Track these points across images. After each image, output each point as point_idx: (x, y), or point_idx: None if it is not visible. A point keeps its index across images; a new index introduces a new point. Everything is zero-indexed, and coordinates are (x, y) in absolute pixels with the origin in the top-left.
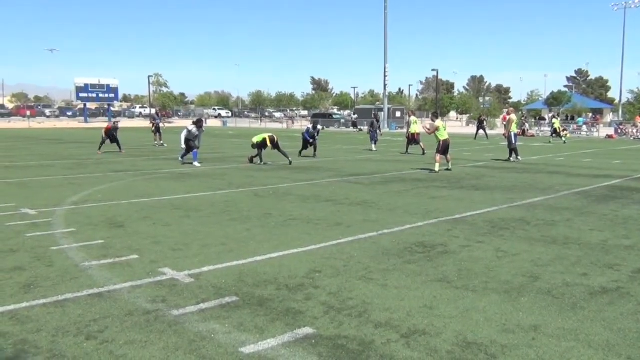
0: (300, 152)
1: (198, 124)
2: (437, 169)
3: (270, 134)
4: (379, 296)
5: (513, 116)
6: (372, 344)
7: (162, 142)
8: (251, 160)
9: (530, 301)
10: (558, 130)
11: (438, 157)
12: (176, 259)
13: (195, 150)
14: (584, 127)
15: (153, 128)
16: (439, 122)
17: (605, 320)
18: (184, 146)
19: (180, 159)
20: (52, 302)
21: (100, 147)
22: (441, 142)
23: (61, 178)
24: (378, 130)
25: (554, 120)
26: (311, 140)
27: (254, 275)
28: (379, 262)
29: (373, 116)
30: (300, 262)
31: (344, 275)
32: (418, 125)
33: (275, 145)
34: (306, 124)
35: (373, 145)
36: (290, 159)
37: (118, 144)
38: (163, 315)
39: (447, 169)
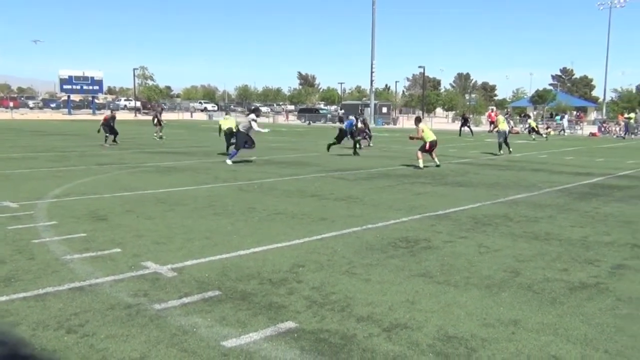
0: (329, 146)
1: (257, 112)
2: (421, 165)
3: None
4: (361, 291)
5: (500, 117)
6: (354, 338)
7: (161, 134)
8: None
9: (511, 296)
10: (536, 128)
11: (420, 154)
12: (159, 253)
13: (236, 150)
14: (567, 124)
15: (155, 120)
16: (422, 126)
17: (584, 315)
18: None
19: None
20: (33, 295)
21: (106, 140)
22: (428, 143)
23: (44, 170)
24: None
25: (529, 121)
26: (349, 135)
27: (237, 270)
28: (363, 257)
29: (359, 115)
30: (284, 257)
31: (327, 269)
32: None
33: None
34: (293, 119)
35: (370, 142)
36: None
37: (115, 135)
38: (145, 309)
39: (437, 165)
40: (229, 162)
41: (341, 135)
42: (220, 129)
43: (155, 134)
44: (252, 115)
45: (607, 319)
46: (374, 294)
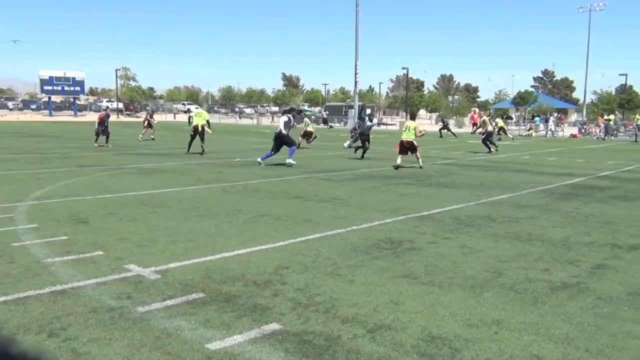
0: (362, 154)
1: (292, 113)
2: (398, 161)
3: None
4: (346, 292)
5: (485, 118)
6: (338, 339)
7: (152, 136)
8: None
9: (494, 296)
10: (505, 128)
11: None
12: (142, 255)
13: (291, 148)
14: (554, 126)
15: (146, 123)
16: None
17: (565, 315)
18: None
19: (261, 160)
20: (13, 299)
21: (96, 140)
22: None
23: (24, 172)
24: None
25: (497, 120)
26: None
27: (221, 272)
28: (347, 258)
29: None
30: (268, 259)
31: (311, 271)
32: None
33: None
34: (276, 120)
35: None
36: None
37: (107, 136)
38: (128, 312)
39: (420, 167)
40: (291, 161)
41: (364, 138)
42: (190, 122)
43: (141, 136)
44: (286, 117)
45: (588, 318)
46: (359, 295)
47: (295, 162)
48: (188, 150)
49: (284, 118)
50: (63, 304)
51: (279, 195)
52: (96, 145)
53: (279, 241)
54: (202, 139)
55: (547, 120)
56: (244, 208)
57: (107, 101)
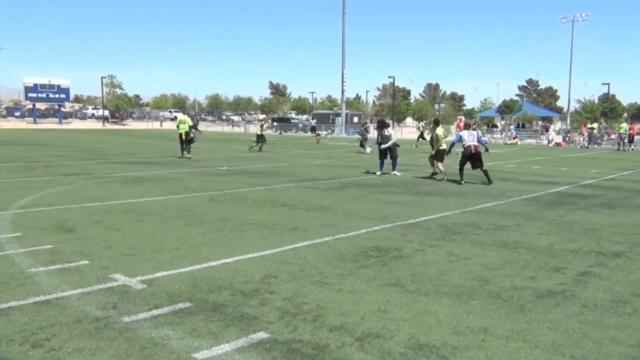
0: (380, 168)
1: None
2: (441, 172)
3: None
4: (333, 300)
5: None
6: (326, 348)
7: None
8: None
9: (481, 304)
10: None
11: (440, 164)
12: (128, 265)
13: (384, 160)
14: (553, 134)
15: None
16: (439, 131)
17: (551, 322)
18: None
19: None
20: None
21: (182, 153)
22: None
23: (8, 181)
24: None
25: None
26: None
27: (208, 281)
28: (335, 267)
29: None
30: (256, 267)
31: (299, 280)
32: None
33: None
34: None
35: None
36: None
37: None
38: (114, 322)
39: (433, 176)
40: (397, 173)
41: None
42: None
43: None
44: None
45: (573, 325)
46: (346, 304)
47: (399, 174)
48: (182, 155)
49: (385, 132)
50: (47, 315)
51: (266, 203)
52: (188, 156)
53: (267, 250)
54: (189, 145)
55: (547, 130)
56: (230, 216)
57: (92, 109)
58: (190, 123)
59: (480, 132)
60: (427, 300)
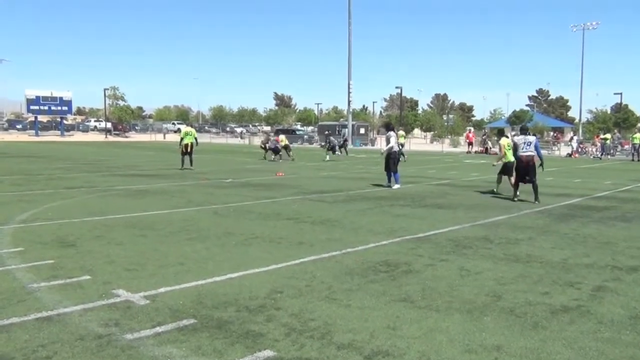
0: (388, 180)
1: (389, 126)
2: (516, 193)
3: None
4: (342, 317)
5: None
6: None
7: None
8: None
9: (493, 320)
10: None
11: (514, 179)
12: (131, 280)
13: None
14: (576, 145)
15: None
16: (503, 141)
17: (566, 339)
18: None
19: (396, 184)
20: None
21: (266, 156)
22: (503, 165)
23: (9, 195)
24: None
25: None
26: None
27: (212, 297)
28: (342, 282)
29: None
30: (261, 283)
31: (306, 295)
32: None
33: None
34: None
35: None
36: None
37: (276, 153)
38: (116, 340)
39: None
40: (397, 186)
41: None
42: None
43: (269, 159)
44: (392, 132)
45: (589, 342)
46: (355, 320)
47: (395, 185)
48: (182, 166)
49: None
50: (49, 331)
51: (271, 216)
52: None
53: (272, 264)
54: (191, 156)
55: (571, 140)
56: (235, 230)
57: (95, 121)
58: (196, 135)
59: (538, 139)
60: (438, 317)
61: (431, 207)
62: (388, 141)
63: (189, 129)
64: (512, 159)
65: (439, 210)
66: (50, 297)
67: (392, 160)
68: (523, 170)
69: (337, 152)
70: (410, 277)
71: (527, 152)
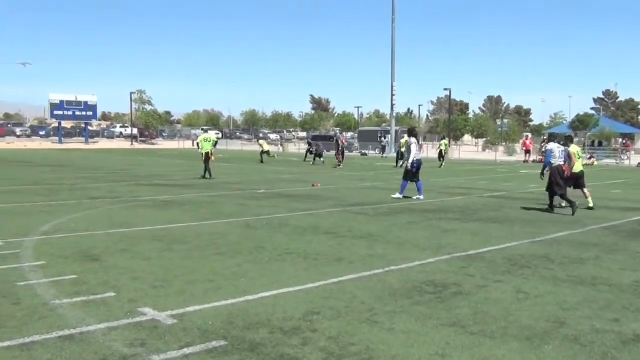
0: (418, 191)
1: (413, 133)
2: (590, 203)
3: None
4: (384, 342)
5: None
6: None
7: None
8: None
9: (555, 349)
10: (443, 153)
11: (587, 191)
12: (157, 298)
13: (409, 181)
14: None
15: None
16: (573, 148)
17: None
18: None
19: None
20: (18, 344)
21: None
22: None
23: (31, 205)
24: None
25: (441, 142)
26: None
27: (244, 317)
28: (385, 303)
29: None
30: (297, 302)
31: (345, 317)
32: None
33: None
34: (304, 146)
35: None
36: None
37: (319, 155)
38: None
39: (590, 207)
40: (399, 195)
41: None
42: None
43: (339, 165)
44: (414, 139)
45: None
46: (399, 346)
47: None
48: (204, 175)
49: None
50: (71, 351)
51: (307, 230)
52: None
53: (309, 283)
54: (208, 165)
55: (600, 144)
56: (268, 245)
57: (120, 127)
58: (214, 139)
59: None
60: (493, 344)
61: (484, 221)
62: (409, 150)
63: (206, 135)
64: (580, 168)
65: (493, 225)
66: (73, 315)
67: (412, 170)
68: (569, 179)
69: (322, 159)
70: (461, 300)
71: (561, 160)
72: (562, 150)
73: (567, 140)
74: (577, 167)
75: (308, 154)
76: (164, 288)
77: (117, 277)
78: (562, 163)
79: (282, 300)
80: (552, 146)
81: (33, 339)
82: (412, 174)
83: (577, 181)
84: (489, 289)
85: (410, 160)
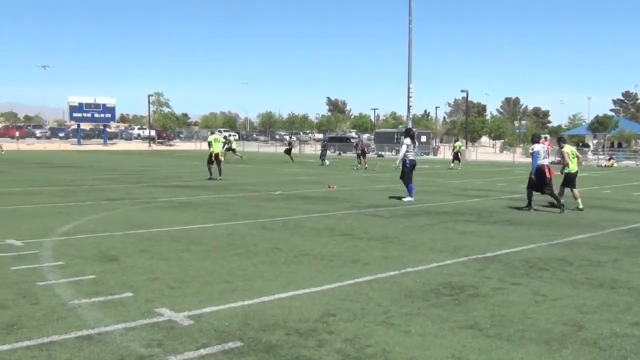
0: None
1: (409, 133)
2: (580, 205)
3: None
4: (400, 344)
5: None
6: None
7: (363, 165)
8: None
9: (574, 353)
10: (458, 155)
11: (577, 192)
12: (174, 298)
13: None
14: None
15: (358, 151)
16: (566, 149)
17: None
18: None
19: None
20: (37, 344)
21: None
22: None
23: (49, 206)
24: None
25: (456, 144)
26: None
27: (260, 318)
28: (401, 305)
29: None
30: (313, 304)
31: (361, 319)
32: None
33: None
34: (318, 147)
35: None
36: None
37: (363, 157)
38: None
39: (579, 208)
40: (410, 199)
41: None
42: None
43: (359, 165)
44: (407, 140)
45: None
46: (415, 348)
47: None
48: (211, 176)
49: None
50: (89, 351)
51: (323, 232)
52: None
53: (324, 284)
54: (219, 166)
55: (620, 145)
56: (284, 246)
57: (138, 129)
58: (223, 140)
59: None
60: (510, 347)
61: (501, 223)
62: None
63: (215, 135)
64: (575, 168)
65: (510, 227)
66: (92, 315)
67: (406, 171)
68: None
69: (327, 161)
70: (477, 302)
71: (545, 161)
72: (546, 149)
73: (559, 142)
74: (572, 167)
75: (359, 158)
76: (180, 289)
77: (134, 277)
78: (546, 163)
79: (298, 301)
80: (538, 147)
81: (52, 339)
82: (409, 174)
83: (570, 181)
84: (506, 291)
85: (399, 161)
